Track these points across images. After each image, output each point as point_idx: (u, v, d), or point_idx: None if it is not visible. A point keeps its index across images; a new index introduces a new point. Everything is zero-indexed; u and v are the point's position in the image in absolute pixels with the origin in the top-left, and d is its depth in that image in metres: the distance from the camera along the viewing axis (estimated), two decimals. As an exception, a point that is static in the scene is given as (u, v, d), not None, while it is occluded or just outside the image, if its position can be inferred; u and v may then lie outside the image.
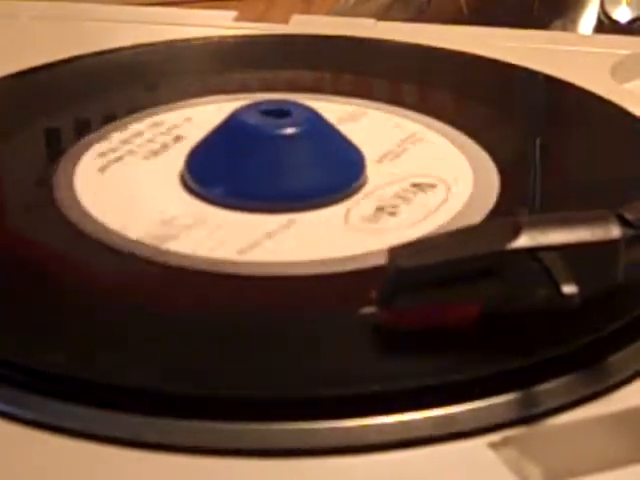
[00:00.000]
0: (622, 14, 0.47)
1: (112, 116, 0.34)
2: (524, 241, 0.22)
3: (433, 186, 0.30)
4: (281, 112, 0.30)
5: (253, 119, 0.30)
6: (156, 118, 0.34)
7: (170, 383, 0.22)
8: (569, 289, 0.21)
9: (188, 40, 0.40)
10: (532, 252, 0.22)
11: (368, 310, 0.23)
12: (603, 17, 0.48)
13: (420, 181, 0.30)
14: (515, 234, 0.22)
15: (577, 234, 0.22)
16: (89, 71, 0.37)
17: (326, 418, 0.21)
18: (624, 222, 0.23)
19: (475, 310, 0.22)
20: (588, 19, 0.48)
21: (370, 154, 0.31)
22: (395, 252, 0.23)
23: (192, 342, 0.23)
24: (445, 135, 0.33)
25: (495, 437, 0.21)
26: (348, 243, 0.27)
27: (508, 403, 0.22)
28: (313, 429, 0.21)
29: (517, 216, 0.23)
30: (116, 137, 0.32)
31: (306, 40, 0.40)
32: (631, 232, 0.23)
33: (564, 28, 0.48)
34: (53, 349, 0.23)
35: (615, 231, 0.22)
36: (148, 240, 0.27)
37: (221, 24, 0.42)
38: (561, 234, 0.22)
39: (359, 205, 0.29)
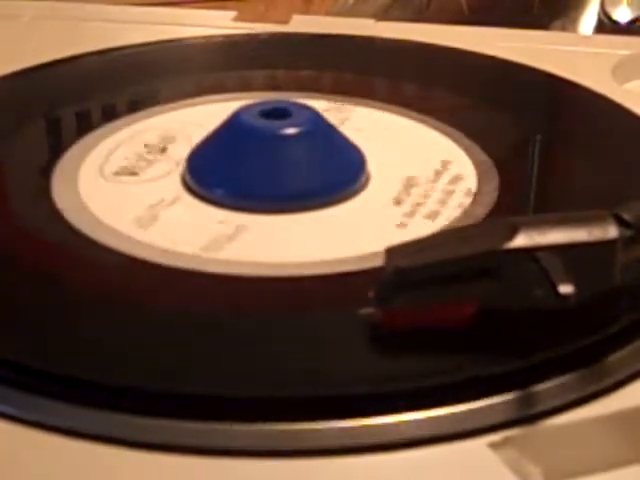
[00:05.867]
0: (622, 14, 0.47)
1: (112, 116, 0.34)
2: (521, 241, 0.22)
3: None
4: (282, 112, 0.30)
5: (254, 119, 0.30)
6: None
7: (170, 383, 0.22)
8: (566, 289, 0.21)
9: (188, 40, 0.40)
10: (529, 252, 0.22)
11: (366, 310, 0.23)
12: (603, 17, 0.48)
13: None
14: (512, 234, 0.22)
15: (574, 234, 0.22)
16: (89, 71, 0.37)
17: (325, 418, 0.21)
18: (622, 222, 0.23)
19: (472, 310, 0.22)
20: (588, 19, 0.48)
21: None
22: (392, 252, 0.23)
23: (192, 343, 0.23)
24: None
25: (495, 437, 0.21)
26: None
27: (508, 403, 0.22)
28: (313, 429, 0.21)
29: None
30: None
31: (306, 39, 0.40)
32: (629, 232, 0.22)
33: (564, 28, 0.48)
34: (53, 350, 0.23)
35: (612, 231, 0.22)
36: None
37: (221, 24, 0.42)
38: (558, 234, 0.22)
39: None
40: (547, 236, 0.22)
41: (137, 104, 0.35)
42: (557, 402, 0.22)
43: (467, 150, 0.32)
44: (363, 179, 0.30)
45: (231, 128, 0.30)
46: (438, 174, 0.30)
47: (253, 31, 0.41)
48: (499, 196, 0.29)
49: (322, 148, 0.30)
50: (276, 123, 0.29)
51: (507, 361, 0.22)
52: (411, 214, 0.28)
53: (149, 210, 0.28)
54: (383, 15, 0.49)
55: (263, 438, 0.21)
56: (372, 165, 0.30)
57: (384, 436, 0.21)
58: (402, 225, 0.28)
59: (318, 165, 0.29)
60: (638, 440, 0.21)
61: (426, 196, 0.29)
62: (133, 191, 0.29)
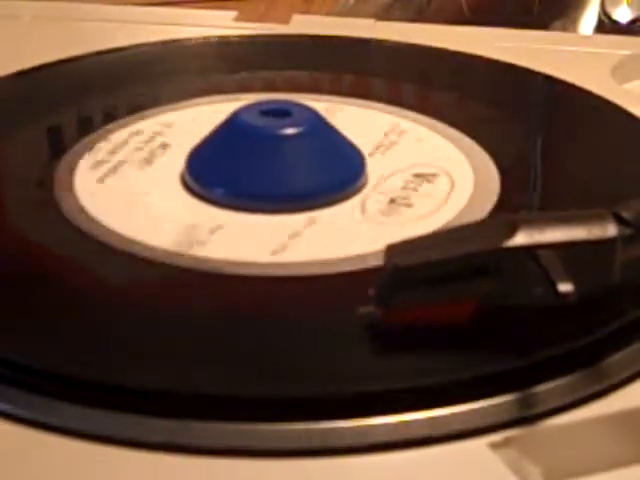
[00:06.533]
0: (622, 14, 0.47)
1: (112, 116, 0.34)
2: (521, 239, 0.22)
3: (433, 186, 0.30)
4: (281, 112, 0.30)
5: (253, 119, 0.30)
6: (156, 118, 0.34)
7: (170, 383, 0.22)
8: (565, 287, 0.21)
9: (188, 40, 0.40)
10: (529, 250, 0.22)
11: (366, 309, 0.23)
12: (603, 17, 0.48)
13: (422, 182, 0.30)
14: (512, 232, 0.22)
15: (574, 232, 0.22)
16: (89, 71, 0.37)
17: (325, 418, 0.21)
18: (621, 221, 0.23)
19: (472, 309, 0.22)
20: (588, 19, 0.48)
21: (371, 154, 0.31)
22: (392, 250, 0.23)
23: (192, 343, 0.23)
24: (445, 135, 0.33)
25: (495, 437, 0.21)
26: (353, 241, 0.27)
27: (508, 403, 0.22)
28: (313, 429, 0.21)
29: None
30: (115, 137, 0.32)
31: (306, 40, 0.40)
32: (628, 231, 0.22)
33: (564, 28, 0.48)
34: (53, 349, 0.23)
35: (612, 230, 0.22)
36: (148, 240, 0.27)
37: (221, 24, 0.42)
38: (558, 232, 0.22)
39: (364, 209, 0.29)
40: (547, 234, 0.22)
41: (137, 104, 0.35)
42: (557, 402, 0.22)
43: (467, 150, 0.32)
44: (363, 179, 0.30)
45: (231, 128, 0.30)
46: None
47: (253, 31, 0.41)
48: (499, 196, 0.29)
49: (322, 148, 0.30)
50: (276, 123, 0.29)
51: (507, 361, 0.22)
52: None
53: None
54: (384, 15, 0.49)
55: (263, 438, 0.21)
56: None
57: (383, 436, 0.21)
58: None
59: (318, 165, 0.29)
60: (638, 440, 0.21)
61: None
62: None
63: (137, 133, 0.33)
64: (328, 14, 0.52)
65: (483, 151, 0.31)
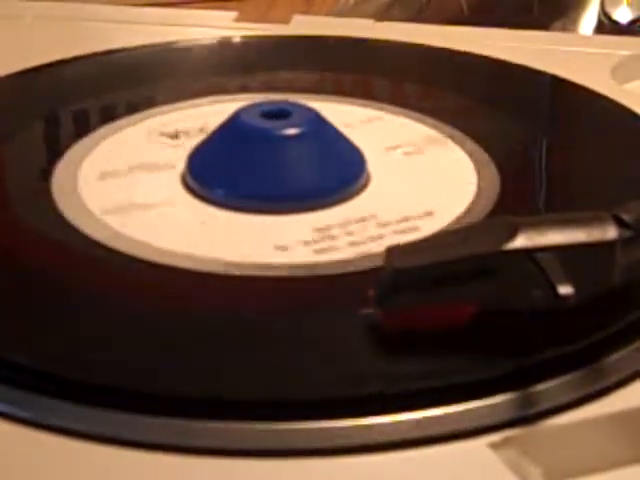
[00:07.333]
0: (622, 15, 0.47)
1: (112, 117, 0.34)
2: (521, 241, 0.22)
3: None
4: (282, 113, 0.30)
5: (254, 120, 0.30)
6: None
7: (170, 384, 0.22)
8: (565, 290, 0.21)
9: (189, 40, 0.40)
10: (529, 253, 0.22)
11: (366, 311, 0.23)
12: (603, 18, 0.48)
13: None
14: (512, 234, 0.22)
15: (574, 235, 0.22)
16: (90, 72, 0.38)
17: (326, 418, 0.21)
18: (621, 223, 0.23)
19: (472, 310, 0.22)
20: (588, 20, 0.48)
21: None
22: (392, 252, 0.23)
23: (192, 343, 0.23)
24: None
25: (495, 437, 0.21)
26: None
27: (508, 403, 0.22)
28: (312, 429, 0.21)
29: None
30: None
31: (307, 40, 0.40)
32: (628, 233, 0.23)
33: (564, 28, 0.48)
34: (53, 349, 0.23)
35: (612, 232, 0.22)
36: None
37: (221, 24, 0.42)
38: (558, 235, 0.22)
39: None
40: (546, 237, 0.22)
41: (137, 105, 0.35)
42: (557, 402, 0.22)
43: (467, 150, 0.32)
44: (363, 179, 0.30)
45: (231, 128, 0.30)
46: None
47: (253, 32, 0.41)
48: (499, 196, 0.29)
49: (322, 148, 0.30)
50: (276, 123, 0.30)
51: (507, 361, 0.22)
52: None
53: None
54: (383, 15, 0.49)
55: (262, 438, 0.21)
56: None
57: (384, 436, 0.21)
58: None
59: (318, 165, 0.29)
60: (638, 440, 0.21)
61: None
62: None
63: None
64: (328, 14, 0.53)
65: (483, 152, 0.31)
